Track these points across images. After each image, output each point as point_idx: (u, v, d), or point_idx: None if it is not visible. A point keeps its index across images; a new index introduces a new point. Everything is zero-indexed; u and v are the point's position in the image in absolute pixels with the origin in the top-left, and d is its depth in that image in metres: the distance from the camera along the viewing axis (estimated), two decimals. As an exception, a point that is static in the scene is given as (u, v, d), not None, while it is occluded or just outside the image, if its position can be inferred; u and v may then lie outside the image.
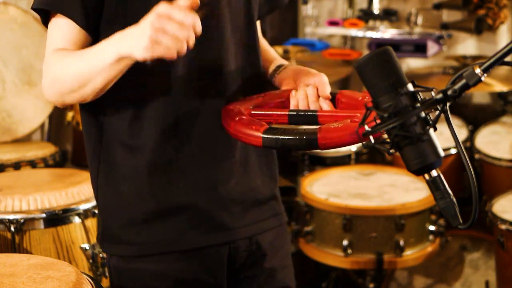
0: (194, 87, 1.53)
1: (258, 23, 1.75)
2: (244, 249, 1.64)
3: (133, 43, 1.33)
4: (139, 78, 1.50)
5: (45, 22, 1.51)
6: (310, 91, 1.53)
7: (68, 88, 1.44)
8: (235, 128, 1.46)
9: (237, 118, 1.47)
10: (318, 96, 1.53)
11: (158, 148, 1.53)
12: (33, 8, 1.49)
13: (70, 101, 1.48)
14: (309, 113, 1.51)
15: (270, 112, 1.53)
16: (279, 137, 1.39)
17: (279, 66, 1.67)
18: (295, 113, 1.52)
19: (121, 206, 1.58)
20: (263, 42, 1.78)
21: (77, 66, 1.42)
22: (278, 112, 1.53)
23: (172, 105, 1.52)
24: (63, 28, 1.46)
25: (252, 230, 1.65)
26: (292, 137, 1.38)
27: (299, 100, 1.53)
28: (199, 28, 1.32)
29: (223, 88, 1.56)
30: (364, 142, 1.27)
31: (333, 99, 1.55)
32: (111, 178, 1.57)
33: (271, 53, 1.76)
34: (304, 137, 1.37)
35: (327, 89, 1.54)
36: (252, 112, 1.52)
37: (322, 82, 1.54)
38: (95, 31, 1.48)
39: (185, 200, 1.56)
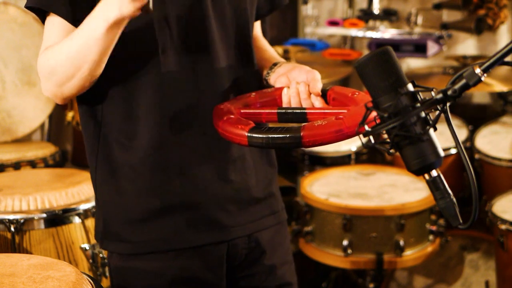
0: (187, 87, 1.54)
1: (258, 23, 1.76)
2: (243, 247, 1.65)
3: (118, 1, 1.33)
4: (132, 78, 1.52)
5: (43, 19, 1.52)
6: (302, 88, 1.53)
7: (65, 75, 1.44)
8: (222, 128, 1.47)
9: (225, 118, 1.48)
10: (310, 93, 1.53)
11: (152, 147, 1.54)
12: (26, 7, 1.50)
13: (69, 91, 1.48)
14: (297, 110, 1.51)
15: (260, 111, 1.54)
16: (264, 135, 1.39)
17: (274, 64, 1.67)
18: (284, 111, 1.52)
19: (119, 203, 1.59)
20: (262, 42, 1.79)
21: (69, 49, 1.42)
22: (267, 111, 1.53)
23: (165, 105, 1.53)
24: (57, 26, 1.48)
25: (250, 228, 1.65)
26: (276, 136, 1.38)
27: (291, 97, 1.54)
28: None
29: (216, 86, 1.57)
30: (364, 142, 1.27)
31: (325, 95, 1.55)
32: (109, 174, 1.59)
33: (269, 53, 1.76)
34: (288, 135, 1.37)
35: (318, 86, 1.53)
36: (242, 111, 1.53)
37: (314, 78, 1.54)
38: None
39: (182, 198, 1.57)
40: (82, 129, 1.63)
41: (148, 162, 1.55)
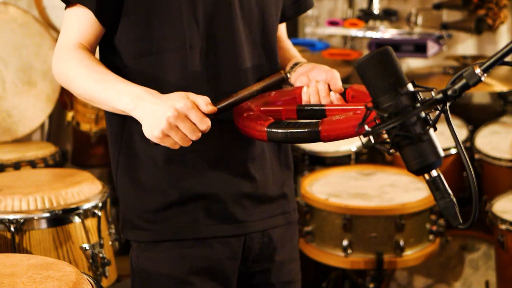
0: (210, 84, 1.58)
1: (283, 25, 1.81)
2: (257, 241, 1.68)
3: (146, 122, 1.42)
4: (158, 74, 1.56)
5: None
6: (321, 86, 1.58)
7: (74, 92, 1.56)
8: (242, 124, 1.50)
9: (245, 114, 1.50)
10: (329, 91, 1.57)
11: None
12: None
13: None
14: (316, 107, 1.54)
15: (279, 108, 1.57)
16: (283, 130, 1.42)
17: (295, 64, 1.71)
18: (303, 108, 1.55)
19: (139, 193, 1.63)
20: (286, 42, 1.83)
21: (89, 87, 1.50)
22: (287, 108, 1.56)
23: None
24: (80, 17, 1.54)
25: (263, 225, 1.69)
26: (295, 130, 1.40)
27: (310, 95, 1.58)
28: (207, 129, 1.42)
29: (239, 86, 1.58)
30: (364, 142, 1.27)
31: (343, 93, 1.59)
32: (131, 166, 1.63)
33: (291, 52, 1.81)
34: (307, 129, 1.39)
35: (338, 83, 1.58)
36: (262, 108, 1.56)
37: (334, 77, 1.58)
38: (110, 22, 1.55)
39: (200, 191, 1.61)
40: (106, 120, 1.68)
41: (169, 156, 1.59)
